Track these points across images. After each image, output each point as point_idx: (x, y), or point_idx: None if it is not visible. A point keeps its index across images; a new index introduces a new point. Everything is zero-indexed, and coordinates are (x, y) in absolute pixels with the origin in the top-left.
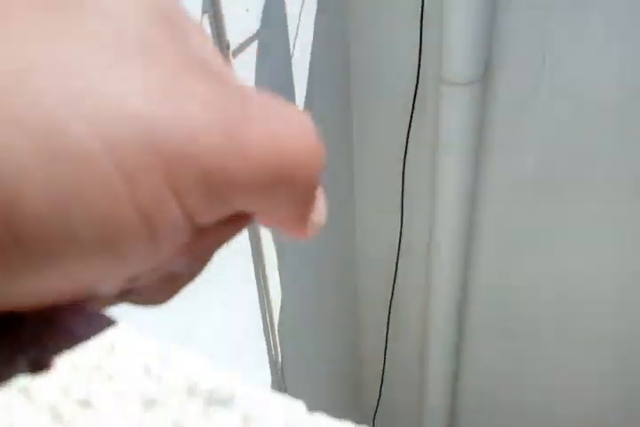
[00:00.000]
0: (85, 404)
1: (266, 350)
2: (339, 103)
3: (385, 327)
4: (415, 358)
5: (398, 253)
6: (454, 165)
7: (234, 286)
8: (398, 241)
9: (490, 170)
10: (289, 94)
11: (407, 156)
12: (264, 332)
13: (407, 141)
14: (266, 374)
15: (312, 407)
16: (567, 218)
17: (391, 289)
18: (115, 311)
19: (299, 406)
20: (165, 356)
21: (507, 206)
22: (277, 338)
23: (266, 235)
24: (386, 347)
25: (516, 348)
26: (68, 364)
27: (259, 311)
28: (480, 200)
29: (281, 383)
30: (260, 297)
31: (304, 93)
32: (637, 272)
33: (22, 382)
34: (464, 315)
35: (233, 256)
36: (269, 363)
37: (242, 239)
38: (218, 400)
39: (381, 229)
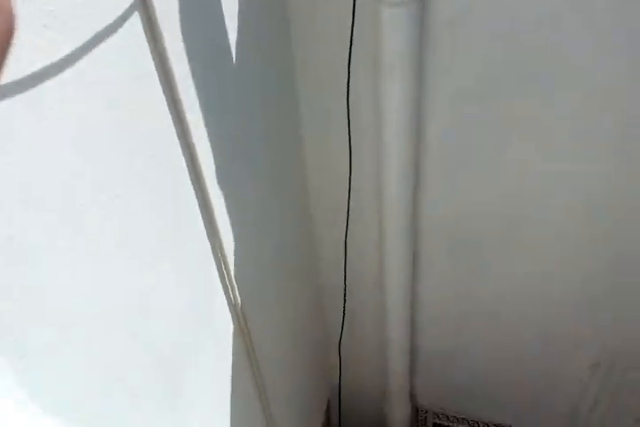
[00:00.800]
0: None
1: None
2: (275, 33)
3: (343, 252)
4: (374, 282)
5: (350, 176)
6: (398, 87)
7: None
8: (349, 163)
9: (433, 88)
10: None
11: (350, 80)
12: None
13: (349, 64)
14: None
15: (277, 339)
16: (514, 130)
17: (346, 207)
18: None
19: None
20: None
21: (452, 120)
22: (234, 281)
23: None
24: (345, 275)
25: (465, 262)
26: None
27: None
28: (426, 117)
29: (243, 325)
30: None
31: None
32: (588, 186)
33: None
34: (417, 230)
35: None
36: (228, 306)
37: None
38: None
39: (329, 154)
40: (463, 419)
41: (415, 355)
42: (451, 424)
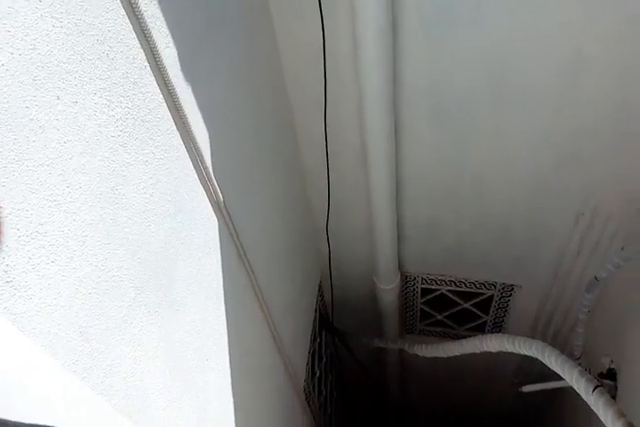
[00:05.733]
0: None
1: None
2: None
3: (323, 131)
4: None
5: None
6: None
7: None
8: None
9: None
10: None
11: None
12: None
13: None
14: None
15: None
16: None
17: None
18: None
19: None
20: None
21: None
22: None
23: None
24: (327, 153)
25: (450, 128)
26: None
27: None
28: None
29: (227, 220)
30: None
31: None
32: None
33: None
34: (398, 96)
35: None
36: (212, 206)
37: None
38: None
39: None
40: (450, 281)
41: (401, 224)
42: (438, 287)
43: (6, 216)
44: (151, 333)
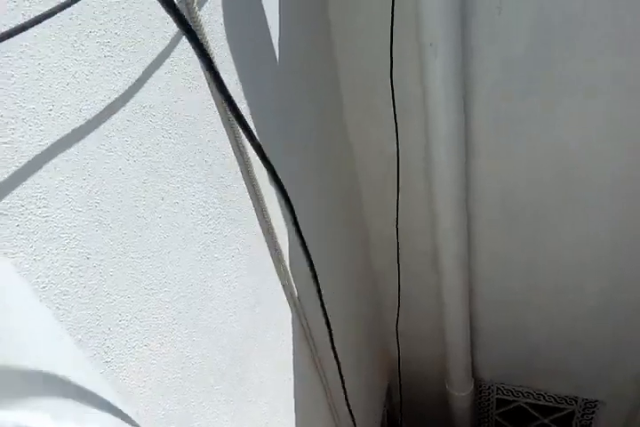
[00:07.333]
0: None
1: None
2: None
3: (395, 234)
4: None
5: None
6: (442, 63)
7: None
8: (396, 151)
9: (478, 59)
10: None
11: (393, 58)
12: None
13: (392, 41)
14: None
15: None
16: (561, 92)
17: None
18: None
19: None
20: None
21: (498, 88)
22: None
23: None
24: (398, 258)
25: (523, 232)
26: None
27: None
28: (472, 84)
29: (301, 314)
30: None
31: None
32: (635, 141)
33: None
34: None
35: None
36: (287, 300)
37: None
38: None
39: (376, 138)
40: (528, 393)
41: (475, 329)
42: (515, 398)
43: (111, 302)
44: (224, 422)
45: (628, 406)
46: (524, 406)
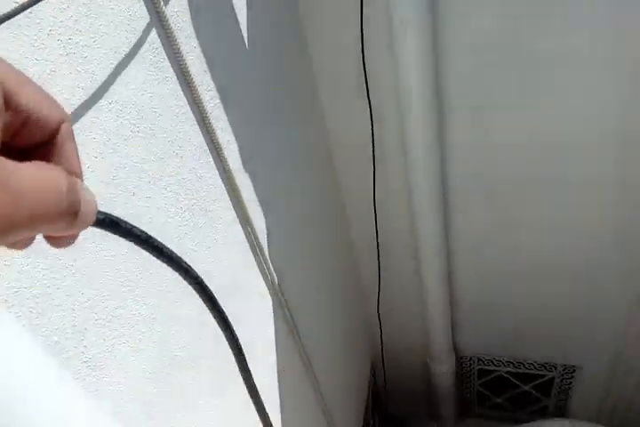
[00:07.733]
0: None
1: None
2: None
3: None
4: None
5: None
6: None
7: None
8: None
9: (450, 33)
10: None
11: (364, 38)
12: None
13: (362, 24)
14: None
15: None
16: (540, 67)
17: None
18: None
19: None
20: None
21: (471, 67)
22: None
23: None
24: (377, 235)
25: (502, 207)
26: None
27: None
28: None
29: (280, 297)
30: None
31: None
32: (619, 115)
33: None
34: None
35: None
36: (267, 286)
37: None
38: None
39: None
40: (508, 362)
41: (454, 305)
42: (496, 368)
43: (86, 302)
44: (207, 411)
45: (604, 370)
46: (505, 375)
